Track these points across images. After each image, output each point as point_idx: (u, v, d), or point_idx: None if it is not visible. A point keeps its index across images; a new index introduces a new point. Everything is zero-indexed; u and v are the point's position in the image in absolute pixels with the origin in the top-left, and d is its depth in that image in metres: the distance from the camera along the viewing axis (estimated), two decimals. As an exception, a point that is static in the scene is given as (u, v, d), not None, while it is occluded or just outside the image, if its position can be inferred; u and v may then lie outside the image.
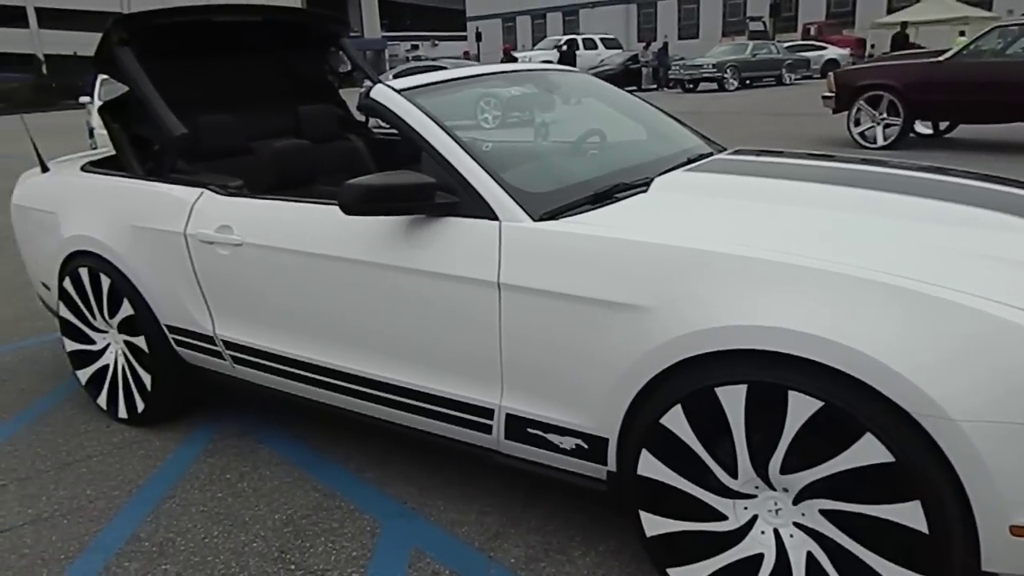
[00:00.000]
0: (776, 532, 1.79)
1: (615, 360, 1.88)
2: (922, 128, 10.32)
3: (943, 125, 10.28)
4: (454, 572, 2.18)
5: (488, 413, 2.17)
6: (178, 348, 2.97)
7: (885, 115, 9.34)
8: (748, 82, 24.10)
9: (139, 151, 3.26)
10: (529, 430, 2.10)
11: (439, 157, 2.21)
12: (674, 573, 1.92)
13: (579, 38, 30.13)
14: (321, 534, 2.39)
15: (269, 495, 2.62)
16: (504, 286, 2.02)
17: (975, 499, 1.53)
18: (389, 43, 61.85)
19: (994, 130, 10.50)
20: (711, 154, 2.82)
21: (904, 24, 21.66)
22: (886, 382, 1.54)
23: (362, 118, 4.49)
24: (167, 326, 2.93)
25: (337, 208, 2.33)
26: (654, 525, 1.92)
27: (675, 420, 1.81)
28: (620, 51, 29.35)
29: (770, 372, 1.67)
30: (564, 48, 25.82)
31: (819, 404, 1.61)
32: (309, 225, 2.43)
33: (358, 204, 2.07)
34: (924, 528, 1.56)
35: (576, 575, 2.14)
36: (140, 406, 3.13)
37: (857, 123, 9.66)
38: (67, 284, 3.19)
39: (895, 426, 1.56)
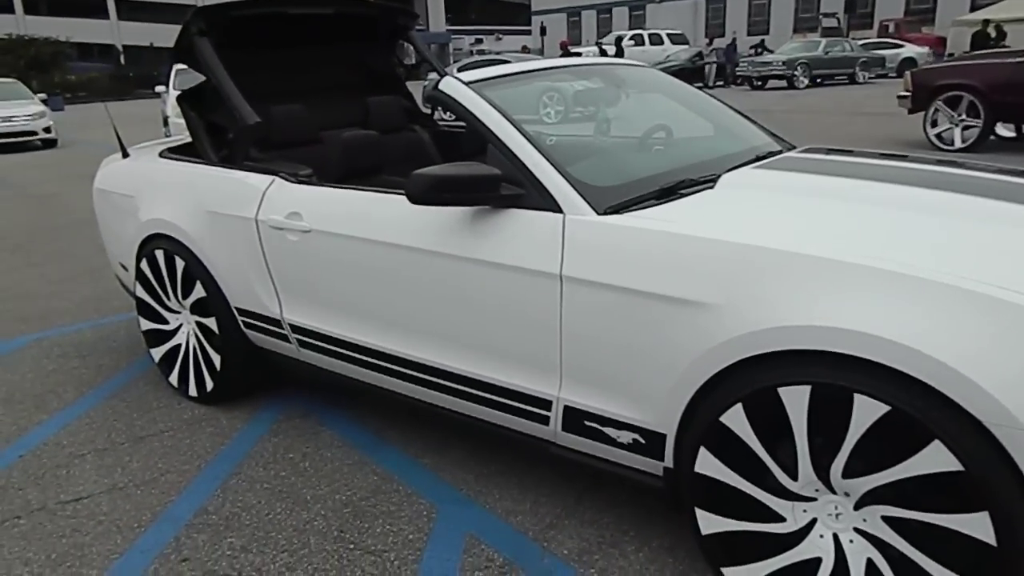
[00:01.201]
0: (835, 537, 1.76)
1: (676, 356, 1.88)
2: (1004, 131, 9.90)
3: (1026, 127, 9.84)
4: (508, 560, 2.20)
5: (546, 404, 2.19)
6: (247, 330, 3.07)
7: (964, 116, 9.00)
8: (819, 80, 23.49)
9: (214, 139, 3.37)
10: (586, 423, 2.11)
11: (505, 149, 2.23)
12: (729, 573, 1.91)
13: (645, 33, 29.81)
14: (379, 516, 2.44)
15: (330, 476, 2.70)
16: (566, 279, 2.04)
17: (1049, 511, 1.48)
18: (453, 36, 62.25)
19: (1081, 133, 10.00)
20: (780, 152, 2.78)
21: (986, 22, 20.76)
22: (958, 389, 1.51)
23: (427, 109, 4.56)
24: (237, 308, 3.03)
25: (404, 197, 2.37)
26: (710, 523, 1.91)
27: (735, 419, 1.79)
28: (686, 47, 28.94)
29: (836, 374, 1.65)
30: (609, 46, 25.37)
31: (886, 408, 1.58)
32: (376, 213, 2.49)
33: (425, 194, 2.11)
34: (992, 540, 1.51)
35: (629, 570, 2.14)
36: (209, 385, 3.25)
37: (934, 124, 9.33)
38: (144, 265, 3.32)
39: (965, 434, 1.52)
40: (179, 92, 3.55)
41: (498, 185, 2.16)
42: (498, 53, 25.88)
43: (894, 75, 24.58)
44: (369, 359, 2.62)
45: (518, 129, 2.27)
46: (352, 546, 2.30)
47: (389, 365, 2.56)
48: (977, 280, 1.58)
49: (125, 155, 3.67)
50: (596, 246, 2.00)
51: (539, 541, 2.29)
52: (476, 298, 2.25)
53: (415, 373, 2.49)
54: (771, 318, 1.72)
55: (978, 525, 1.53)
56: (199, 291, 3.10)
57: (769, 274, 1.75)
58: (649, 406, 1.97)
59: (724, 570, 1.91)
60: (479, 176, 2.13)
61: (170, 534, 2.41)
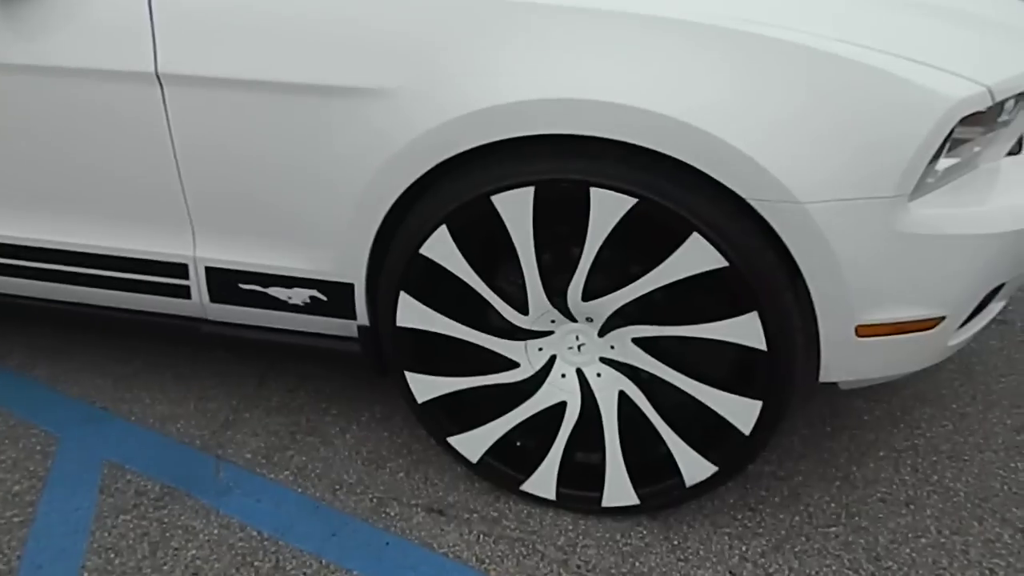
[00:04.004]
0: (580, 373, 1.40)
1: (348, 173, 1.31)
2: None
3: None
4: (168, 487, 1.60)
5: (181, 270, 1.53)
6: None
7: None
8: None
9: None
10: (242, 286, 1.51)
11: None
12: (456, 442, 1.49)
13: None
14: (-37, 469, 1.68)
15: None
16: (166, 79, 1.33)
17: (819, 299, 1.21)
18: None
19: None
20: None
21: None
22: (717, 162, 1.13)
23: None
24: None
25: None
26: (426, 388, 1.46)
27: (440, 247, 1.30)
28: None
29: (564, 165, 1.20)
30: None
31: (631, 201, 1.18)
32: None
33: None
34: (762, 344, 1.22)
35: (334, 460, 1.66)
36: None
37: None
38: None
39: (729, 220, 1.17)
40: None
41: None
42: None
43: None
44: None
45: None
46: (-83, 526, 1.54)
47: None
48: (722, 14, 1.17)
49: None
50: (201, 22, 1.30)
51: (211, 450, 1.70)
52: (40, 130, 1.45)
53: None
54: (467, 99, 1.20)
55: (746, 330, 1.22)
56: None
57: (458, 35, 1.21)
58: (323, 250, 1.41)
59: (451, 440, 1.50)
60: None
61: None
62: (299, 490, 1.59)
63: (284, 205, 1.38)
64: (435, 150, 1.24)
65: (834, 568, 1.37)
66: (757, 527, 1.46)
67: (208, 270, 1.50)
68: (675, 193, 1.17)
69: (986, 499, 1.50)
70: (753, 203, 1.15)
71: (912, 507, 1.49)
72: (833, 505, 1.50)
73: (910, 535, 1.43)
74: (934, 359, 1.35)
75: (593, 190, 1.19)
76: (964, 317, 1.29)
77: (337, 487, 1.60)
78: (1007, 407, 1.74)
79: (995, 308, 1.41)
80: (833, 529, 1.45)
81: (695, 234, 1.17)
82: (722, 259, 1.18)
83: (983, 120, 1.23)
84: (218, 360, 1.99)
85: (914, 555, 1.39)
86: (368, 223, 1.34)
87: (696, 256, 1.19)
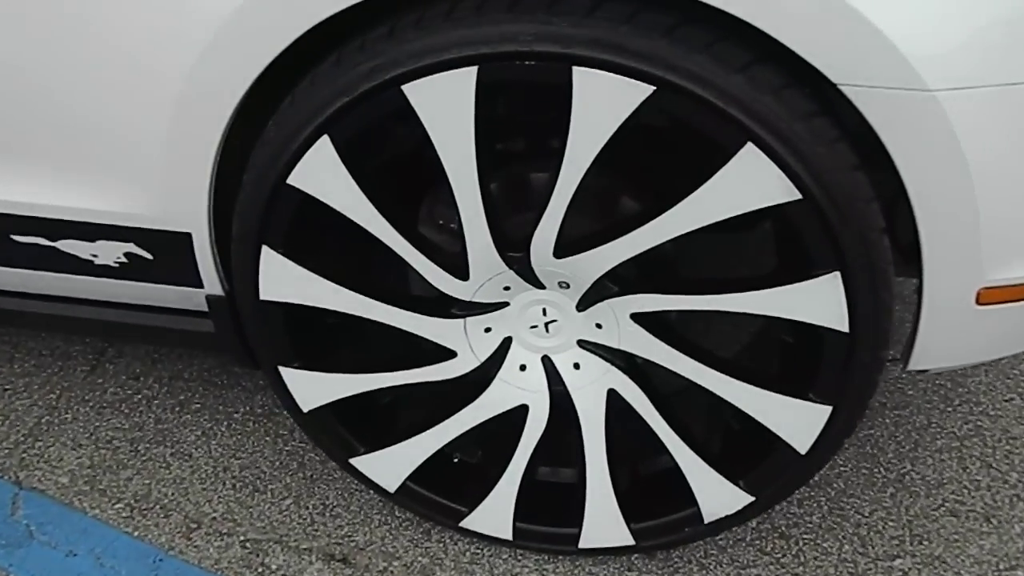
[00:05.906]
0: (547, 363, 0.93)
1: (154, 56, 0.78)
2: None
3: None
4: (-65, 537, 1.08)
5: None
6: None
7: None
8: None
9: None
10: (16, 239, 0.96)
11: None
12: (364, 464, 1.01)
13: None
14: None
15: None
16: None
17: (932, 249, 0.76)
18: None
19: None
20: None
21: None
22: (798, 22, 0.65)
23: None
24: None
25: None
26: (313, 390, 0.96)
27: (320, 172, 0.80)
28: None
29: (529, 28, 0.70)
30: None
31: (645, 91, 0.69)
32: None
33: None
34: (843, 323, 0.77)
35: (191, 481, 1.17)
36: None
37: None
38: None
39: (805, 123, 0.70)
40: None
41: None
42: None
43: None
44: None
45: None
46: None
47: None
48: None
49: None
50: None
51: (7, 473, 1.19)
52: None
53: None
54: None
55: (821, 300, 0.76)
56: None
57: None
58: (136, 183, 0.88)
59: (356, 462, 1.01)
60: None
61: None
62: (135, 532, 1.09)
63: (60, 110, 0.84)
64: (298, 10, 0.72)
65: (908, 625, 0.98)
66: (794, 563, 1.05)
67: (-45, 215, 0.95)
68: (719, 77, 0.68)
69: (1085, 506, 1.13)
70: (849, 92, 0.68)
71: (994, 522, 1.10)
72: (891, 524, 1.10)
73: (1003, 568, 1.04)
74: (1059, 331, 0.93)
75: (578, 71, 0.69)
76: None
77: (193, 525, 1.10)
78: (1078, 371, 1.37)
79: None
80: (899, 562, 1.05)
81: (750, 146, 0.70)
82: (792, 188, 0.71)
83: None
84: (36, 335, 1.44)
85: (1011, 598, 1.01)
86: (203, 139, 0.82)
87: (750, 183, 0.71)
